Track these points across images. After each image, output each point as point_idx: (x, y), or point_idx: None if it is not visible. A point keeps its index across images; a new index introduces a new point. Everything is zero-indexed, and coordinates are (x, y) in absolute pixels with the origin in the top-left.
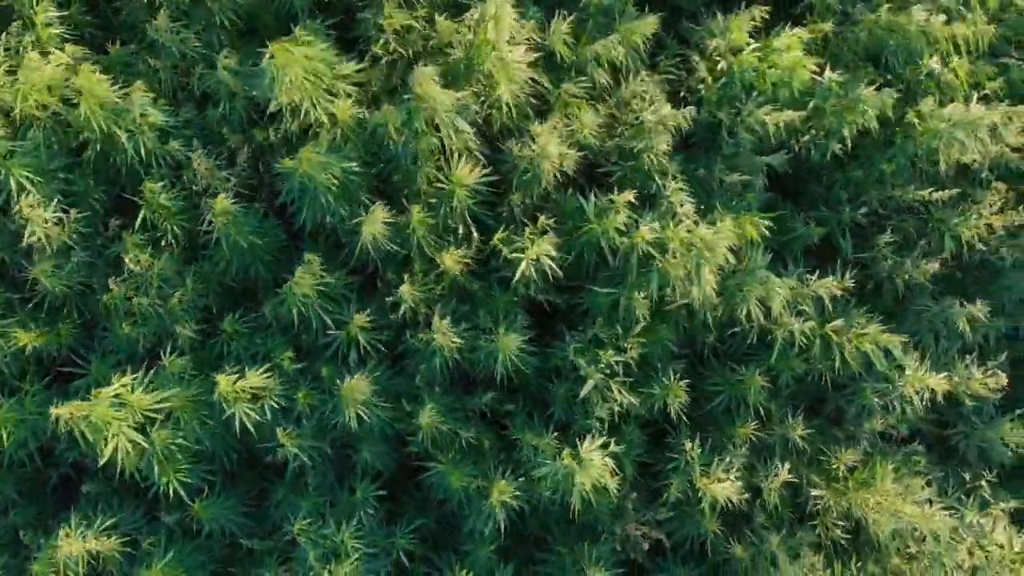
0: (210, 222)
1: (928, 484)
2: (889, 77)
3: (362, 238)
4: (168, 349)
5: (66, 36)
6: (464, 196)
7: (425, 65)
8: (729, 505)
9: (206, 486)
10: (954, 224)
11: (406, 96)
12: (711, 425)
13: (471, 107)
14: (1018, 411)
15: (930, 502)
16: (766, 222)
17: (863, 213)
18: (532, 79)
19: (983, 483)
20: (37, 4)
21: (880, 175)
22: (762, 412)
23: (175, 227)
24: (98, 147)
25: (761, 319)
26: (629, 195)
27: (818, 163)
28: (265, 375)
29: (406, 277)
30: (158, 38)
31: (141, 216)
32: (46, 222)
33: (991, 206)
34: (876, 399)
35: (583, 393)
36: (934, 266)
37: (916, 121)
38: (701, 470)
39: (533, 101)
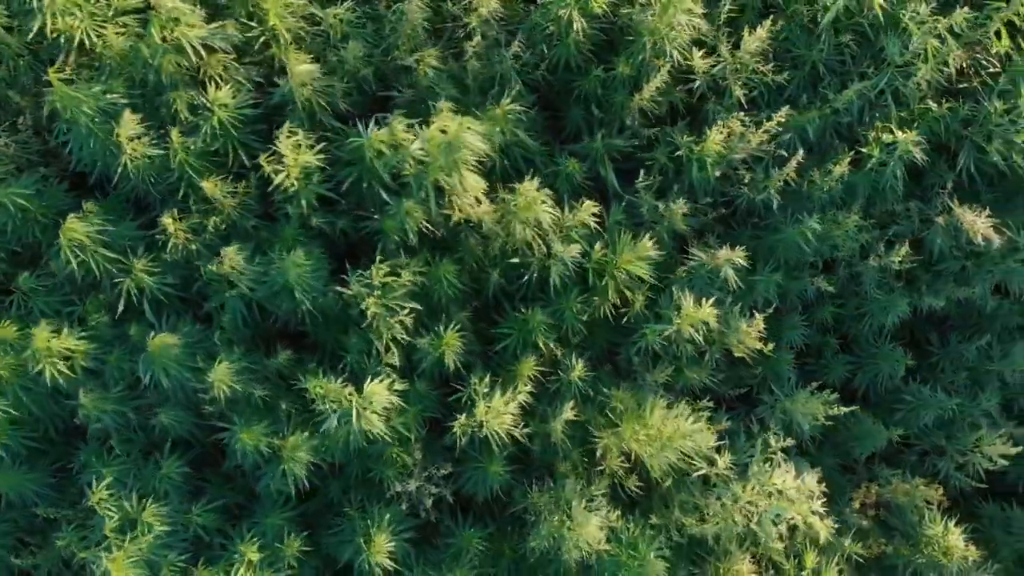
0: None
1: (720, 437)
2: None
3: (120, 161)
4: None
5: None
6: (225, 118)
7: None
8: (518, 449)
9: (7, 454)
10: (696, 149)
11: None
12: (501, 369)
13: (231, 33)
14: (814, 383)
15: (719, 450)
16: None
17: (626, 139)
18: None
19: (770, 435)
20: None
21: (623, 84)
22: (555, 356)
23: None
24: None
25: (540, 245)
26: (401, 118)
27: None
28: (80, 337)
29: (176, 212)
30: None
31: None
32: None
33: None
34: (657, 339)
35: (366, 322)
36: (682, 207)
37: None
38: (484, 405)
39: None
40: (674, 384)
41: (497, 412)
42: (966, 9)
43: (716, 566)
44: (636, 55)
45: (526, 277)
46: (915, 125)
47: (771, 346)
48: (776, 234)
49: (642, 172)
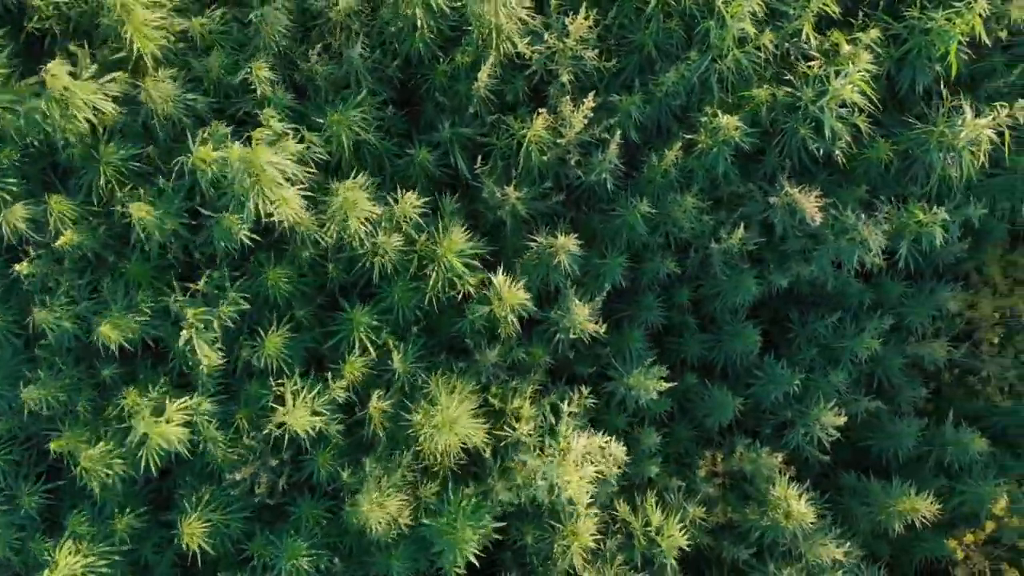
0: None
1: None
2: None
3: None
4: None
5: None
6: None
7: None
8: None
9: None
10: (525, 134)
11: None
12: (331, 369)
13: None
14: (648, 361)
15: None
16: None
17: (476, 128)
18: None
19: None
20: None
21: (464, 74)
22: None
23: None
24: None
25: (362, 238)
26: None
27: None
28: None
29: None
30: None
31: None
32: None
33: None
34: (481, 320)
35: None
36: (518, 193)
37: None
38: (294, 401)
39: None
40: (504, 362)
41: (295, 411)
42: None
43: (563, 532)
44: (470, 44)
45: (363, 268)
46: (740, 111)
47: (604, 327)
48: (619, 218)
49: (479, 159)
